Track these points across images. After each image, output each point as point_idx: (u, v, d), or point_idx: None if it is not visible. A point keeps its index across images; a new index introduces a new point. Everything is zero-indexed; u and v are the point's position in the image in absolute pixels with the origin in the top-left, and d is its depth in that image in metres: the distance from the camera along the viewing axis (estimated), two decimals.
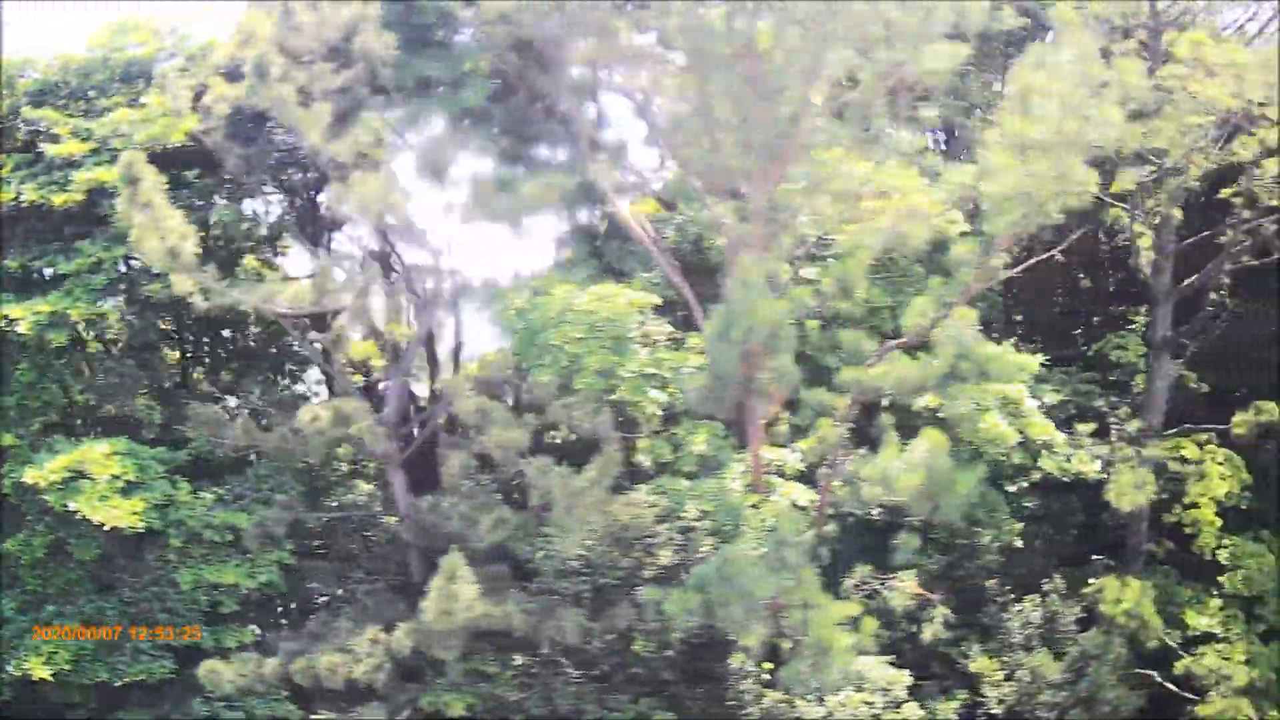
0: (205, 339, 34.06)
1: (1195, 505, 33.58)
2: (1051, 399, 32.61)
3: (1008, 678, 28.55)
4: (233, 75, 28.70)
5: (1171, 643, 32.20)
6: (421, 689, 27.33)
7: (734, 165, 25.56)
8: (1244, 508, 34.78)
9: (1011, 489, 31.51)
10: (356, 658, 26.26)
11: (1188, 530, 33.57)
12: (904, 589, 27.88)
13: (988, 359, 24.76)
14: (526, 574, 27.36)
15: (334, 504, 31.46)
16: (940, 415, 28.48)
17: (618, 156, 29.04)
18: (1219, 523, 33.69)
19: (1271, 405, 31.43)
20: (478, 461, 27.57)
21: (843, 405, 26.58)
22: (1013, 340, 32.79)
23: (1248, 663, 32.53)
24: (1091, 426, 32.61)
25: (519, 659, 27.35)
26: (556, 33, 26.87)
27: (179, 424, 29.63)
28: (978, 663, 28.46)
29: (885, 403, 26.46)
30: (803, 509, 27.04)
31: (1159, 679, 31.39)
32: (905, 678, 26.85)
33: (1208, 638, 32.59)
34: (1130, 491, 29.16)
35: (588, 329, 27.11)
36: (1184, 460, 33.29)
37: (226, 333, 33.88)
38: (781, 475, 27.84)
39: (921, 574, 28.80)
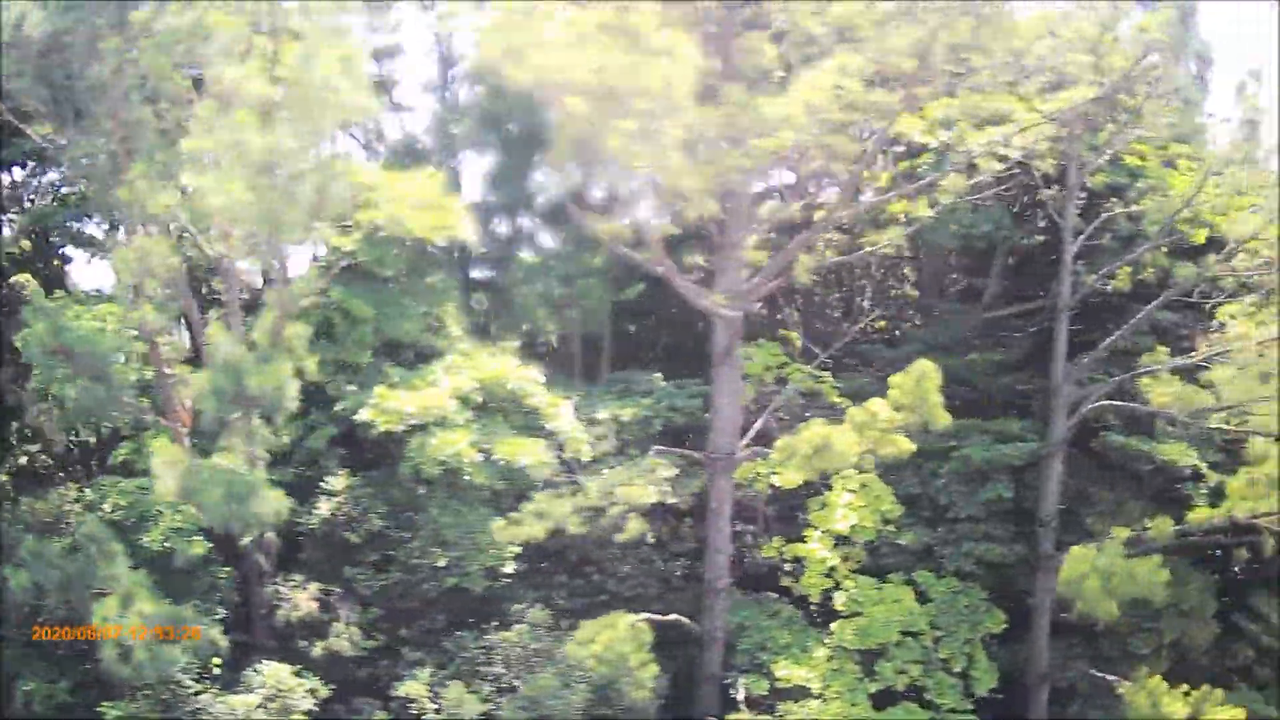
0: None
1: (801, 539, 29.03)
2: (626, 415, 29.63)
3: (438, 710, 26.71)
4: None
5: (742, 695, 28.15)
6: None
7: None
8: (905, 544, 29.35)
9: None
10: None
11: (789, 568, 29.05)
12: (304, 600, 27.16)
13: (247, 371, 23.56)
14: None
15: None
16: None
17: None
18: (830, 560, 28.77)
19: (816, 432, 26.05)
20: None
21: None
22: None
23: None
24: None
25: None
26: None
27: None
28: (407, 687, 26.89)
29: None
30: None
31: None
32: (302, 684, 26.17)
33: (801, 693, 28.11)
34: (530, 522, 25.65)
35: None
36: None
37: None
38: None
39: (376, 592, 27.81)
